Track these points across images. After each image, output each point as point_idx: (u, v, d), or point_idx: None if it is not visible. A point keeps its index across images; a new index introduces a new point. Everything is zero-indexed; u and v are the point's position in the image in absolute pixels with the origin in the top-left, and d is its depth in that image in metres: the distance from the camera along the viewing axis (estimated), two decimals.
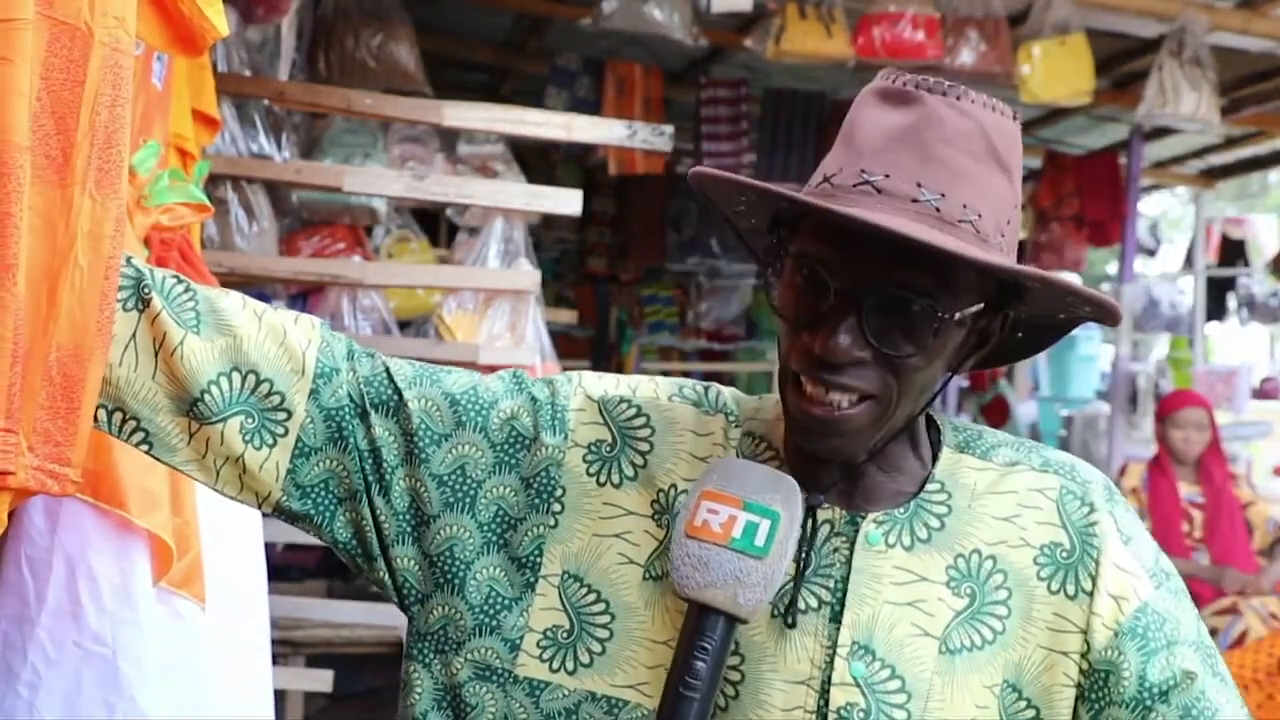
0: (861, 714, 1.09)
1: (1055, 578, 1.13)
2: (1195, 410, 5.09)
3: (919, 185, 1.04)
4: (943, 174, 1.05)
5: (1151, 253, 10.51)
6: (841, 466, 1.14)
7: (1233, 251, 9.72)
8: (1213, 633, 4.70)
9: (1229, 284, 9.48)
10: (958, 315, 1.06)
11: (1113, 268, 12.50)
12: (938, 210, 1.04)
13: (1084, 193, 7.23)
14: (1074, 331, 1.22)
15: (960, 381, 9.13)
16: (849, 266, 1.05)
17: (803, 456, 1.15)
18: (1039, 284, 1.07)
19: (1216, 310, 9.39)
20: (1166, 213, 15.17)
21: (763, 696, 1.10)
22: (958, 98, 1.07)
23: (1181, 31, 5.07)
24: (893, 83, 1.10)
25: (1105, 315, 1.11)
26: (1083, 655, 1.11)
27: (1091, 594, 1.12)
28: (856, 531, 1.13)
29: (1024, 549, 1.14)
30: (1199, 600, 4.83)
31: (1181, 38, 5.08)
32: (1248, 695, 4.10)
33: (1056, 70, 5.00)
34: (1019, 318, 1.16)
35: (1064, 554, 1.13)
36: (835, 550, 1.13)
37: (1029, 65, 4.99)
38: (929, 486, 1.16)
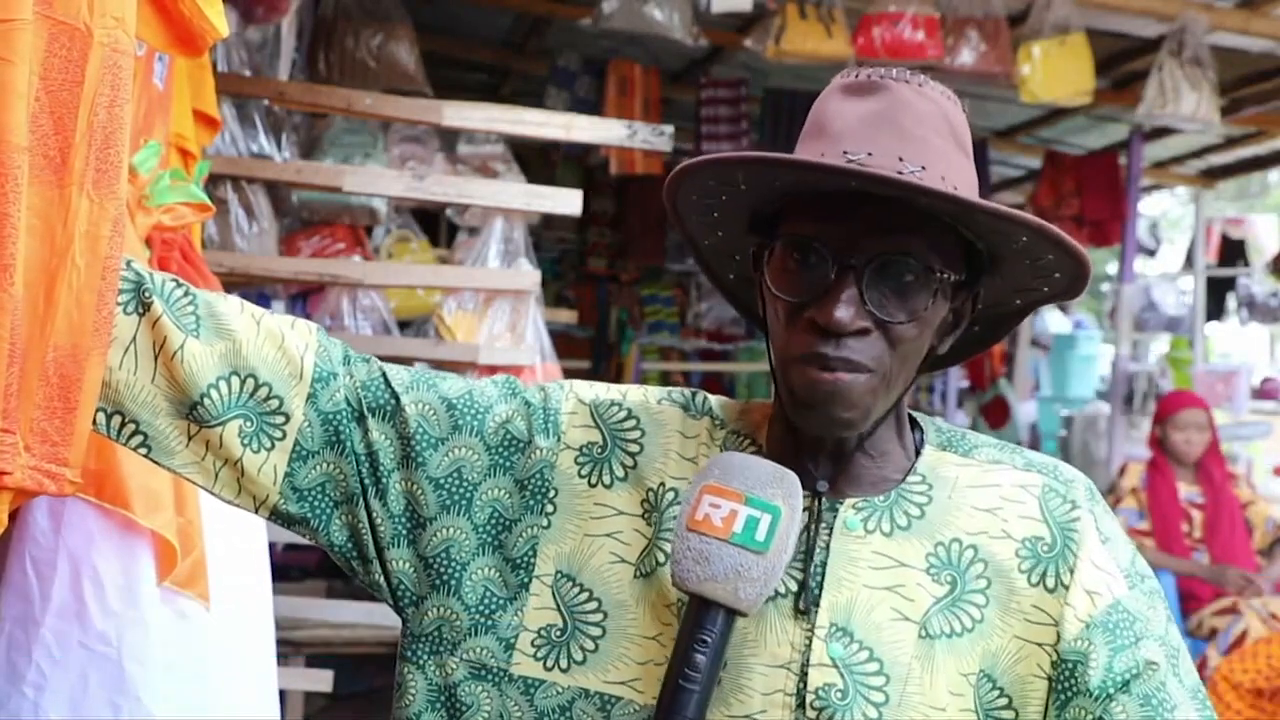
0: (839, 694, 1.09)
1: (1035, 570, 1.14)
2: (1195, 411, 5.07)
3: (901, 160, 1.09)
4: (920, 150, 1.10)
5: (1151, 253, 10.49)
6: (832, 453, 1.16)
7: (1233, 251, 9.70)
8: (1212, 633, 4.69)
9: (1229, 284, 9.47)
10: (951, 278, 1.11)
11: (1113, 268, 12.49)
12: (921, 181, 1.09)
13: (1084, 193, 7.21)
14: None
15: (960, 381, 9.11)
16: (844, 240, 1.09)
17: (791, 447, 1.17)
18: (1030, 232, 1.09)
19: (1216, 310, 9.38)
20: (1166, 213, 15.17)
21: (743, 681, 1.11)
22: (920, 85, 1.14)
23: (1181, 31, 5.07)
24: (855, 77, 1.15)
25: (1075, 281, 1.14)
26: (1054, 646, 1.13)
27: (1068, 587, 1.13)
28: (836, 517, 1.15)
29: (1005, 540, 1.15)
30: (1199, 600, 4.81)
31: (1181, 38, 5.08)
32: (1246, 698, 4.10)
33: (1056, 70, 5.00)
34: (978, 306, 1.20)
35: (1045, 548, 1.15)
36: (815, 535, 1.14)
37: (1029, 65, 4.98)
38: (910, 478, 1.18)
